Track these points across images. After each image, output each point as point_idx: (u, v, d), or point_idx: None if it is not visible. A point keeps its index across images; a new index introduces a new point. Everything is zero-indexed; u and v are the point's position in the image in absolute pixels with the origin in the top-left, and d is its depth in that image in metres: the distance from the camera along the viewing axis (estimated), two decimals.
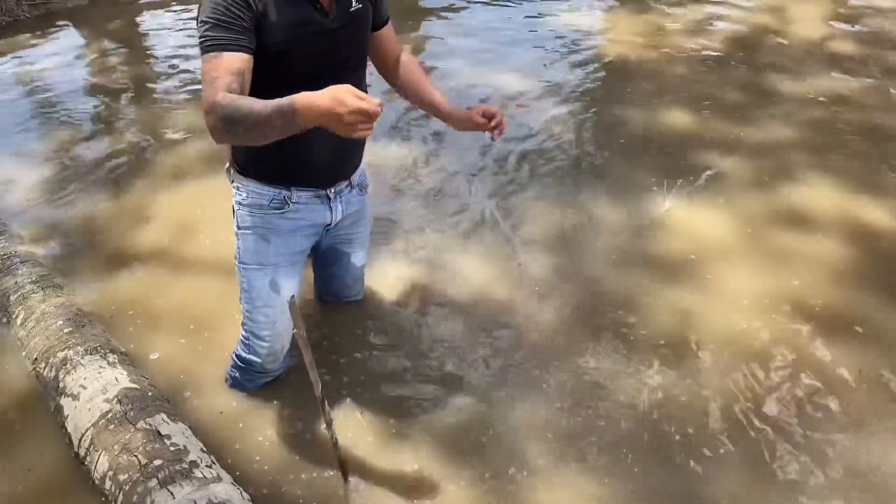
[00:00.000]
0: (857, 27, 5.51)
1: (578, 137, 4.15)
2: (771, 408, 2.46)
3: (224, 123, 1.67)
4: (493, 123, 2.11)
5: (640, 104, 4.50)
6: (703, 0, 6.06)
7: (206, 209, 3.46)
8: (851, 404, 2.47)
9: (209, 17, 1.77)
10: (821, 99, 4.51)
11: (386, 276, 3.06)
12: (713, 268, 3.12)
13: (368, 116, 1.54)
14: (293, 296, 1.79)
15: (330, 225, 2.35)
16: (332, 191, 2.28)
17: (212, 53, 1.76)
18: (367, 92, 2.28)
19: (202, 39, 1.78)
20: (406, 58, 2.32)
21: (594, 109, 4.46)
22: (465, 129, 2.19)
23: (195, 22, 1.85)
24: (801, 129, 4.20)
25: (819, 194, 3.60)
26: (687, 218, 3.44)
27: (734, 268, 3.12)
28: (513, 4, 6.09)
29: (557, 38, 5.40)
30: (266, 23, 1.82)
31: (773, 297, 2.94)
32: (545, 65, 5.00)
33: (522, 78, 4.81)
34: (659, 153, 3.97)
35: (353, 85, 2.12)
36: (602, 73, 4.92)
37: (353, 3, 2.02)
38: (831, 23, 5.57)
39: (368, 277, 2.90)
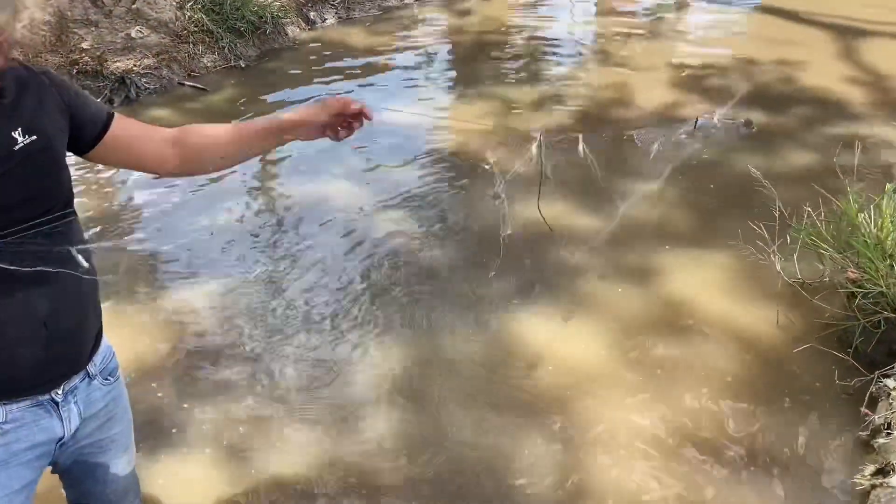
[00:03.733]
0: (699, 90, 5.33)
1: (422, 250, 3.64)
2: None
3: None
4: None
5: (487, 202, 4.04)
6: (550, 78, 5.78)
7: None
8: None
9: None
10: (680, 170, 4.21)
11: (176, 475, 2.37)
12: (591, 401, 2.64)
13: None
14: None
15: (64, 439, 1.68)
16: (61, 391, 1.63)
17: None
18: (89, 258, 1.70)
19: None
20: (182, 131, 1.76)
21: (437, 214, 3.97)
22: (311, 133, 1.74)
23: None
24: (665, 208, 3.85)
25: (692, 287, 3.20)
26: (553, 340, 2.96)
27: (614, 398, 2.63)
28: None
29: (389, 134, 4.91)
30: None
31: (662, 432, 2.49)
32: (373, 167, 4.48)
33: (351, 185, 4.27)
34: (515, 259, 3.50)
35: (61, 232, 1.57)
36: (441, 168, 4.44)
37: (19, 139, 1.49)
38: (670, 89, 5.38)
39: (148, 480, 2.22)
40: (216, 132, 1.77)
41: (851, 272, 2.65)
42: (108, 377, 1.81)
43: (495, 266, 3.40)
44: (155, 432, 2.60)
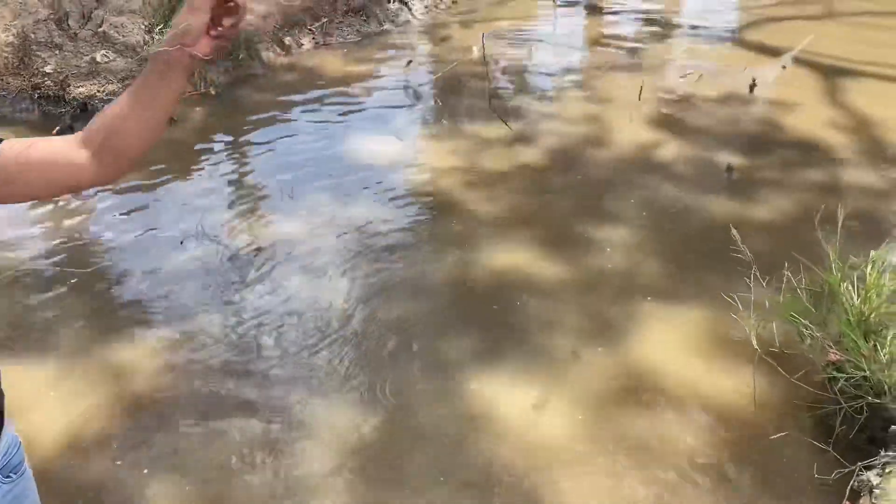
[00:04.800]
0: (674, 129, 5.15)
1: (381, 300, 3.44)
2: None
3: None
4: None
5: (456, 245, 3.86)
6: (525, 114, 5.57)
7: None
8: None
9: None
10: (656, 216, 4.03)
11: None
12: (559, 480, 2.47)
13: None
14: None
15: None
16: None
17: None
18: None
19: None
20: (86, 128, 1.39)
21: (401, 259, 3.77)
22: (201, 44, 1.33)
23: None
24: (639, 258, 3.67)
25: (662, 353, 3.01)
26: (519, 409, 2.78)
27: (581, 478, 2.46)
28: (306, 133, 5.37)
29: (359, 170, 4.72)
30: None
31: None
32: (339, 207, 4.27)
33: (313, 224, 4.07)
34: (479, 311, 3.34)
35: None
36: (411, 210, 4.25)
37: None
38: (649, 126, 5.20)
39: None
40: (116, 104, 1.38)
41: (832, 354, 2.46)
42: (11, 474, 1.59)
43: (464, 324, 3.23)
44: None
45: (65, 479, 2.52)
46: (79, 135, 1.39)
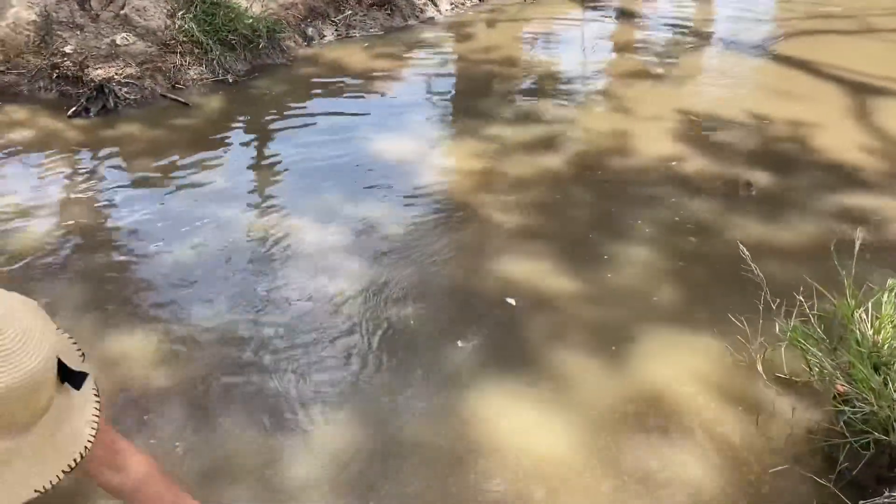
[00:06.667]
0: (696, 143, 5.02)
1: (387, 304, 3.37)
2: None
3: None
4: None
5: (468, 252, 3.78)
6: (548, 119, 5.47)
7: None
8: None
9: None
10: (671, 233, 3.91)
11: None
12: None
13: None
14: None
15: None
16: None
17: None
18: None
19: None
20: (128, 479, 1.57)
21: (410, 262, 3.68)
22: None
23: None
24: (650, 276, 3.56)
25: (669, 375, 2.91)
26: (520, 431, 2.67)
27: None
28: (323, 126, 5.30)
29: (375, 167, 4.65)
30: None
31: None
32: (352, 206, 4.19)
33: (324, 221, 4.00)
34: (485, 321, 3.25)
35: None
36: (424, 212, 4.15)
37: None
38: (672, 139, 5.07)
39: None
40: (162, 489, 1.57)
41: (840, 385, 2.35)
42: None
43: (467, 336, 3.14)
44: None
45: None
46: (128, 464, 1.53)
